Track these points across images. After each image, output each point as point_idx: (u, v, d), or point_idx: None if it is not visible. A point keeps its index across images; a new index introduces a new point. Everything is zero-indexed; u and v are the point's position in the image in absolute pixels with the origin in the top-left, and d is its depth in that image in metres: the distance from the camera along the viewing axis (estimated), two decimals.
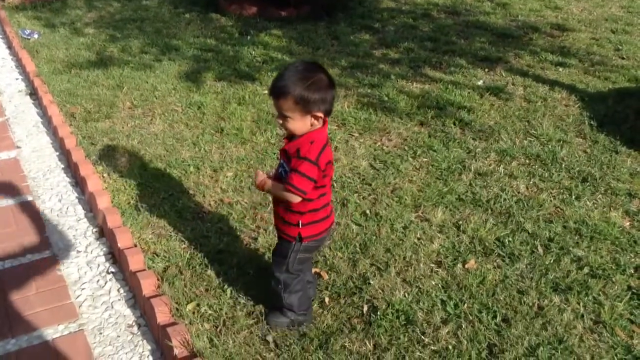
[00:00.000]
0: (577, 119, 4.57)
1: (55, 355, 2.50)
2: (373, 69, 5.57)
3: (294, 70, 2.11)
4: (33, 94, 5.10)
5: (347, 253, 3.00)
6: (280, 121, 2.17)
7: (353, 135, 4.28)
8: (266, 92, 4.97)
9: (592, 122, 4.49)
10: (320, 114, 2.11)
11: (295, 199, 2.21)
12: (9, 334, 2.60)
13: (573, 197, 3.53)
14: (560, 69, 5.66)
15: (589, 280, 2.84)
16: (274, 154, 3.96)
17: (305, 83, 2.06)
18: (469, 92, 4.98)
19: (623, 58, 6.01)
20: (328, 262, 2.93)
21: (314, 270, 2.86)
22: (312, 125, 2.14)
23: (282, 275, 2.45)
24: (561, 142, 4.19)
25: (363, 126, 4.39)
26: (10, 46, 6.31)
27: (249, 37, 6.47)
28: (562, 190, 3.60)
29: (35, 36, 6.32)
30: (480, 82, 5.25)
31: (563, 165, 3.87)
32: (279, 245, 2.47)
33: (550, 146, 4.12)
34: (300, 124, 2.13)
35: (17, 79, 5.49)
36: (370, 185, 3.62)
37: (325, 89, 2.10)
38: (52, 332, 2.62)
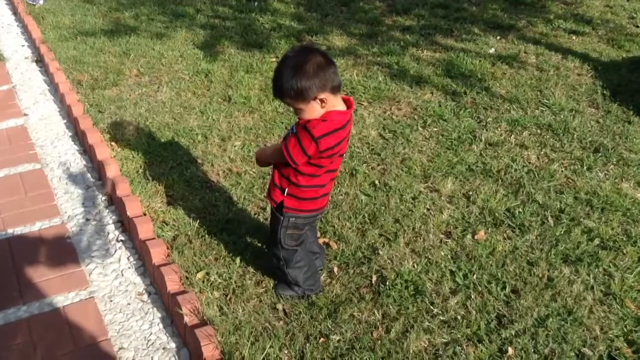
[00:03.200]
0: (590, 88, 4.51)
1: (67, 322, 2.52)
2: (383, 37, 5.49)
3: (283, 64, 2.08)
4: (39, 61, 5.07)
5: (356, 223, 2.99)
6: (297, 115, 2.17)
7: (362, 104, 4.23)
8: (274, 59, 4.91)
9: (605, 92, 4.43)
10: (324, 95, 2.07)
11: (285, 160, 2.19)
12: (20, 300, 2.62)
13: (584, 167, 3.49)
14: (574, 37, 5.56)
15: (600, 251, 2.82)
16: (282, 123, 3.92)
17: (297, 75, 2.03)
18: (480, 61, 4.91)
19: (637, 26, 5.89)
20: (337, 232, 2.92)
21: (322, 240, 2.86)
22: (322, 107, 2.11)
23: (279, 251, 2.44)
24: (573, 111, 4.14)
25: (372, 95, 4.34)
26: (15, 12, 6.25)
27: (256, 4, 6.38)
28: (573, 161, 3.56)
29: (41, 2, 6.25)
30: (492, 50, 5.17)
31: (575, 136, 3.82)
32: (270, 218, 2.47)
33: (562, 116, 4.06)
34: (309, 111, 2.11)
35: (23, 45, 5.46)
36: (380, 155, 3.59)
37: (319, 71, 2.04)
38: (62, 300, 2.64)
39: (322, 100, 2.08)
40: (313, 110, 2.10)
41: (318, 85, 2.04)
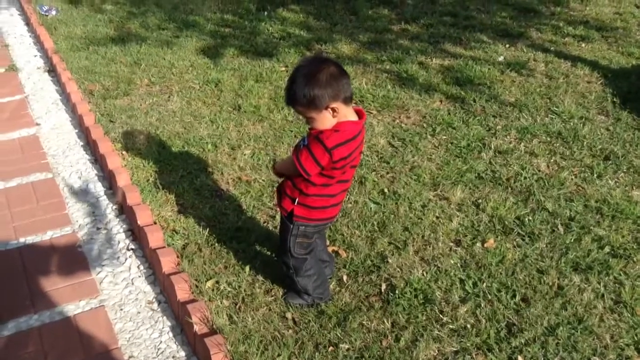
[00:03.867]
0: (600, 95, 4.49)
1: (77, 330, 2.53)
2: (392, 45, 5.50)
3: (297, 73, 2.11)
4: (51, 70, 5.12)
5: (365, 231, 2.99)
6: (308, 125, 2.19)
7: (371, 113, 4.24)
8: (284, 69, 4.94)
9: (614, 99, 4.41)
10: (335, 105, 2.08)
11: (298, 173, 2.20)
12: (31, 309, 2.64)
13: (595, 175, 3.48)
14: (583, 45, 5.55)
15: (610, 259, 2.81)
16: (292, 131, 3.94)
17: (310, 83, 2.05)
18: (489, 68, 4.91)
19: None
20: (346, 240, 2.93)
21: (331, 248, 2.86)
22: (334, 116, 2.12)
23: (288, 259, 2.45)
24: (583, 119, 4.12)
25: (381, 103, 4.35)
26: (28, 23, 6.32)
27: (266, 13, 6.42)
28: (583, 169, 3.55)
29: (53, 12, 6.32)
30: (501, 58, 5.17)
31: (585, 143, 3.81)
32: (280, 226, 2.48)
33: (572, 123, 4.05)
34: (321, 120, 2.12)
35: (35, 55, 5.52)
36: (389, 163, 3.59)
37: (332, 80, 2.06)
38: (73, 308, 2.66)
39: (333, 110, 2.09)
40: (324, 120, 2.12)
41: (330, 95, 2.06)
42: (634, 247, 2.90)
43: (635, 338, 2.40)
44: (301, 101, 2.08)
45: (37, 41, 5.79)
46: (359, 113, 2.21)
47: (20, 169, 3.68)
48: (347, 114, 2.15)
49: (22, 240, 3.07)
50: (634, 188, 3.37)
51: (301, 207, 2.31)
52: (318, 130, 2.14)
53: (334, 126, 2.13)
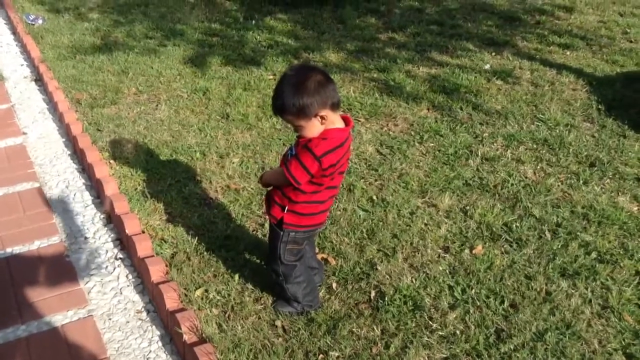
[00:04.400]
0: (585, 103, 4.55)
1: (66, 341, 2.51)
2: (379, 53, 5.54)
3: (284, 82, 2.11)
4: (38, 80, 5.10)
5: (354, 239, 3.00)
6: (296, 133, 2.20)
7: (359, 121, 4.26)
8: (271, 77, 4.95)
9: (599, 107, 4.47)
10: (324, 112, 2.10)
11: (288, 183, 2.21)
12: (19, 320, 2.62)
13: (581, 181, 3.51)
14: (568, 53, 5.62)
15: (597, 265, 2.83)
16: (280, 139, 3.95)
17: (298, 92, 2.06)
18: (475, 76, 4.95)
19: (631, 41, 5.95)
20: (335, 247, 2.93)
21: (320, 256, 2.87)
22: (322, 123, 2.13)
23: (278, 267, 2.45)
24: (569, 126, 4.17)
25: (369, 111, 4.37)
26: (14, 32, 6.29)
27: (253, 22, 6.44)
28: (569, 175, 3.59)
29: (40, 21, 6.29)
30: (487, 66, 5.21)
31: (571, 150, 3.85)
32: (269, 233, 2.48)
33: (557, 131, 4.09)
34: (310, 128, 2.13)
35: (22, 64, 5.48)
36: (377, 170, 3.61)
37: (320, 88, 2.08)
38: (61, 318, 2.64)
39: (322, 117, 2.11)
40: (313, 127, 2.13)
41: (319, 102, 2.07)
42: (621, 252, 2.93)
43: (623, 343, 2.42)
44: (290, 110, 2.09)
45: (24, 50, 5.76)
46: (345, 120, 2.22)
47: (6, 178, 3.65)
48: (335, 120, 2.16)
49: (9, 250, 3.05)
50: (619, 194, 3.41)
51: (291, 215, 2.32)
52: (306, 139, 2.15)
53: (321, 134, 2.15)
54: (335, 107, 2.14)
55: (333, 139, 2.14)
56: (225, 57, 5.40)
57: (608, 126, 4.17)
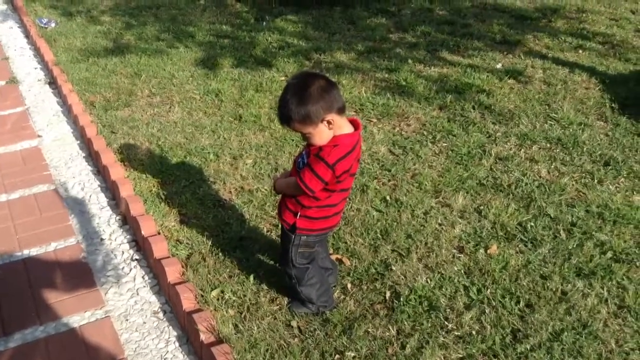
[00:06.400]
0: (598, 101, 4.52)
1: (83, 341, 2.54)
2: (390, 54, 5.54)
3: (287, 92, 2.12)
4: (52, 82, 5.14)
5: (368, 239, 3.00)
6: (306, 142, 2.22)
7: (371, 121, 4.27)
8: (283, 78, 4.96)
9: (613, 105, 4.44)
10: (330, 117, 2.10)
11: (302, 192, 2.22)
12: (37, 321, 2.65)
13: (595, 181, 3.50)
14: (580, 51, 5.59)
15: (613, 264, 2.82)
16: (293, 140, 3.96)
17: (302, 99, 2.07)
18: (487, 76, 4.94)
19: None
20: (349, 248, 2.94)
21: (335, 256, 2.87)
22: (330, 128, 2.14)
23: (290, 270, 2.47)
24: (582, 125, 4.15)
25: (381, 111, 4.38)
26: (28, 35, 6.35)
27: (264, 23, 6.46)
28: (584, 174, 3.57)
29: (53, 25, 6.35)
30: (499, 66, 5.20)
31: (584, 149, 3.83)
32: (281, 237, 2.49)
33: (571, 130, 4.08)
34: (318, 135, 2.14)
35: (35, 68, 5.54)
36: (390, 171, 3.61)
37: (324, 93, 2.08)
38: (79, 319, 2.66)
39: (329, 122, 2.11)
40: (322, 133, 2.14)
41: (324, 107, 2.08)
42: (636, 252, 2.92)
43: None
44: (296, 119, 2.10)
45: (37, 53, 5.81)
46: (354, 123, 2.22)
47: (22, 180, 3.69)
48: (342, 125, 2.17)
49: (26, 252, 3.08)
50: (634, 193, 3.39)
51: (304, 220, 2.33)
52: (317, 148, 2.16)
53: (331, 141, 2.15)
54: (341, 111, 2.14)
55: (344, 145, 2.15)
56: (237, 58, 5.43)
57: (622, 125, 4.15)
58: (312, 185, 2.18)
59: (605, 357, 2.34)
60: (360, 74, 5.05)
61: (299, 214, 2.32)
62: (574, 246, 2.94)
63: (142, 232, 2.98)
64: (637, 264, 2.83)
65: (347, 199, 3.24)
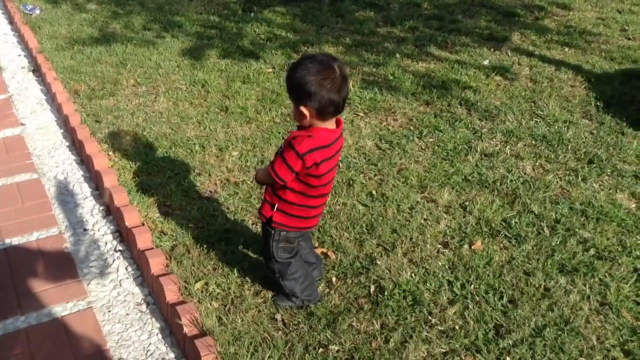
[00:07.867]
0: (583, 99, 4.55)
1: (65, 332, 2.52)
2: (378, 48, 5.53)
3: (311, 59, 2.07)
4: (36, 70, 5.08)
5: (354, 233, 3.00)
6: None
7: (358, 115, 4.26)
8: (270, 70, 4.94)
9: (598, 103, 4.47)
10: (306, 111, 2.07)
11: (273, 179, 2.21)
12: (18, 311, 2.62)
13: (579, 178, 3.52)
14: (567, 49, 5.62)
15: (595, 262, 2.85)
16: (279, 133, 3.94)
17: (311, 78, 2.03)
18: (474, 72, 4.95)
19: (629, 39, 5.96)
20: (335, 242, 2.94)
21: (320, 250, 2.87)
22: (302, 117, 2.10)
23: (273, 264, 2.46)
24: (567, 123, 4.18)
25: (368, 106, 4.37)
26: (12, 22, 6.25)
27: (252, 14, 6.41)
28: (568, 172, 3.60)
29: (37, 12, 6.26)
30: (486, 62, 5.21)
31: (569, 147, 3.86)
32: (262, 231, 2.48)
33: (556, 127, 4.10)
34: (295, 110, 2.13)
35: (19, 55, 5.46)
36: (376, 165, 3.61)
37: (329, 92, 2.04)
38: (61, 310, 2.64)
39: (305, 112, 2.08)
40: (297, 112, 2.12)
41: (313, 99, 2.04)
42: (619, 249, 2.95)
43: (621, 339, 2.44)
44: (291, 83, 2.08)
45: (21, 40, 5.73)
46: (337, 122, 2.20)
47: (5, 169, 3.64)
48: (322, 124, 2.14)
49: (7, 241, 3.04)
50: (617, 191, 3.42)
51: (280, 214, 2.32)
52: (292, 136, 2.14)
53: (307, 131, 2.13)
54: (325, 117, 2.11)
55: (318, 138, 2.12)
56: (224, 49, 5.39)
57: (606, 123, 4.18)
58: (282, 173, 2.16)
59: (587, 353, 2.36)
60: (347, 68, 5.03)
61: (276, 206, 2.31)
62: (557, 243, 2.97)
63: (126, 223, 2.96)
64: (619, 261, 2.86)
65: (333, 193, 3.25)
